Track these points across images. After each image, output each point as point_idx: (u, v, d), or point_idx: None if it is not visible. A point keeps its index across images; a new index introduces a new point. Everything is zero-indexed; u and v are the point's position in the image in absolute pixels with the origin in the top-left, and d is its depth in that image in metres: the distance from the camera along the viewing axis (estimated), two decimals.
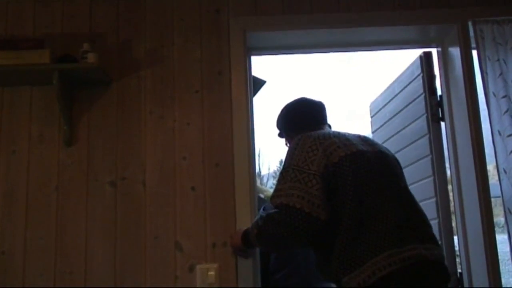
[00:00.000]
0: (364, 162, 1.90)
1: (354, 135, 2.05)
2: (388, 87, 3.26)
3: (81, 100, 2.53)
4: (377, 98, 3.44)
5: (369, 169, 1.89)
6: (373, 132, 3.48)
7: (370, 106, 3.56)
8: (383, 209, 1.82)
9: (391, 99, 3.21)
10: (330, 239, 1.82)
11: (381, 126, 3.36)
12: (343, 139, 1.95)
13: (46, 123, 2.51)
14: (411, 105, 2.95)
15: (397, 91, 3.13)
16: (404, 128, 3.04)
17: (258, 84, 2.95)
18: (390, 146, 3.07)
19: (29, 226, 2.41)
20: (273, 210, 1.88)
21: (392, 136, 3.18)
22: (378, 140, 3.29)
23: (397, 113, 3.13)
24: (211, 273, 2.35)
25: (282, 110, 2.33)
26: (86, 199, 2.44)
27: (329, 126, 2.30)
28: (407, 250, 1.75)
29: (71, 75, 2.43)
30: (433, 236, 1.93)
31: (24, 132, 2.51)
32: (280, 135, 2.36)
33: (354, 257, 1.75)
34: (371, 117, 3.55)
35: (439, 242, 2.57)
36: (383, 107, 3.34)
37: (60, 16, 2.62)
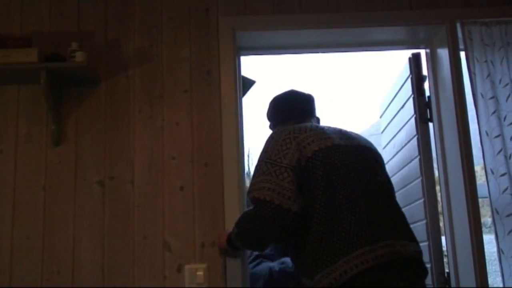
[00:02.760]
0: (338, 157, 1.89)
1: (334, 129, 2.04)
2: (391, 88, 3.25)
3: (69, 99, 2.52)
4: (384, 99, 3.44)
5: (343, 164, 1.88)
6: (382, 132, 3.49)
7: (379, 107, 3.57)
8: (356, 204, 1.80)
9: (392, 100, 3.21)
10: (303, 235, 1.82)
11: (387, 126, 3.37)
12: (320, 133, 1.95)
13: (34, 122, 2.49)
14: (404, 106, 2.96)
15: (394, 92, 3.13)
16: (400, 130, 3.05)
17: (248, 84, 2.95)
18: (393, 148, 3.09)
19: (16, 226, 2.39)
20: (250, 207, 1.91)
21: (394, 137, 3.20)
22: (385, 141, 3.31)
23: (395, 114, 3.15)
24: (200, 273, 2.34)
25: (271, 102, 2.36)
26: (74, 199, 2.43)
27: (318, 119, 2.30)
28: (380, 247, 1.73)
29: (59, 74, 2.41)
30: (409, 231, 1.91)
31: (11, 131, 2.48)
32: (270, 127, 2.37)
33: (327, 254, 1.74)
34: (380, 117, 3.56)
35: (427, 239, 2.60)
36: (387, 108, 3.35)
37: (48, 14, 2.59)
